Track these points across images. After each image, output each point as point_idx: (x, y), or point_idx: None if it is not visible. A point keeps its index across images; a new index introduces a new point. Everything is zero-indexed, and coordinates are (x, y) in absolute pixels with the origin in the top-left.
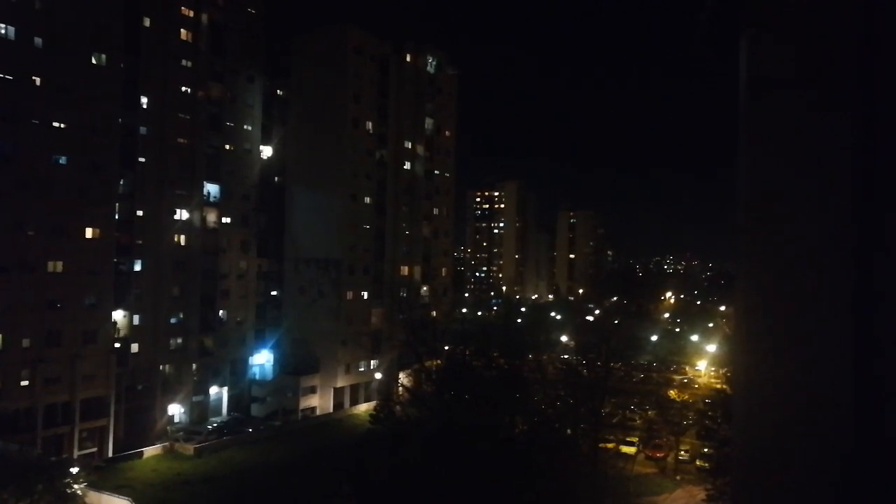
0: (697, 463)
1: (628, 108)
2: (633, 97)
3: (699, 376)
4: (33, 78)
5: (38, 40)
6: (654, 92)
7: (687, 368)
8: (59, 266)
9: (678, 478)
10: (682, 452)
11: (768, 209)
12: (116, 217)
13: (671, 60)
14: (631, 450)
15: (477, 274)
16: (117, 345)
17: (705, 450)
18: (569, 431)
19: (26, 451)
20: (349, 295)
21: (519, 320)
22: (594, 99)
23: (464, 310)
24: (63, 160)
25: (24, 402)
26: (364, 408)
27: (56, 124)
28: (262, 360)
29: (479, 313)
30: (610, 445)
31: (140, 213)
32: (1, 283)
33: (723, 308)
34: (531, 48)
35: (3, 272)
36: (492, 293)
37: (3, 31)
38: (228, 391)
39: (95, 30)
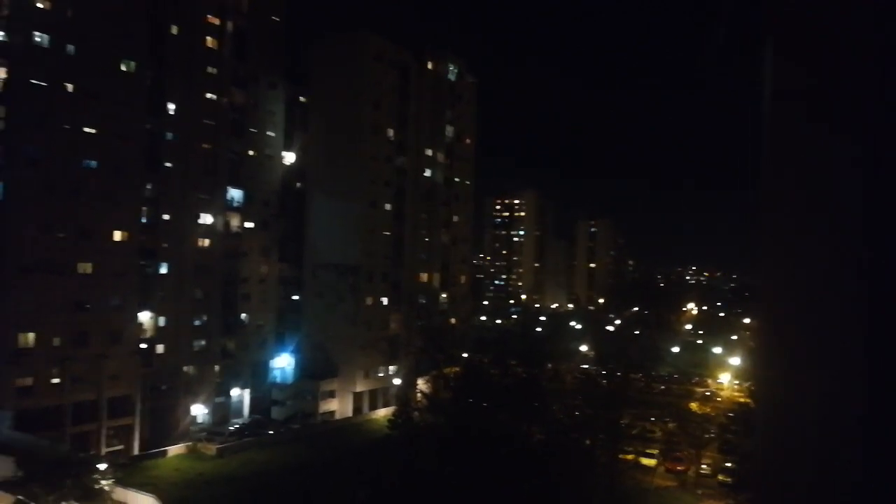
0: (719, 477)
1: (651, 117)
2: (657, 106)
3: (722, 389)
4: (65, 84)
5: (70, 48)
6: (677, 101)
7: (709, 381)
8: (88, 268)
9: (699, 492)
10: (704, 466)
11: (790, 221)
12: (142, 220)
13: (695, 70)
14: (650, 462)
15: (495, 282)
16: (143, 345)
17: (727, 464)
18: (587, 442)
19: (56, 447)
20: (368, 301)
21: (537, 329)
22: (617, 106)
23: (482, 318)
24: (92, 164)
25: (54, 400)
26: (383, 413)
27: (85, 129)
28: (283, 363)
29: (498, 321)
30: (629, 457)
31: (165, 216)
32: (31, 283)
33: (746, 320)
34: (551, 55)
35: (33, 273)
36: (510, 301)
37: (38, 40)
38: (250, 393)
39: (125, 37)
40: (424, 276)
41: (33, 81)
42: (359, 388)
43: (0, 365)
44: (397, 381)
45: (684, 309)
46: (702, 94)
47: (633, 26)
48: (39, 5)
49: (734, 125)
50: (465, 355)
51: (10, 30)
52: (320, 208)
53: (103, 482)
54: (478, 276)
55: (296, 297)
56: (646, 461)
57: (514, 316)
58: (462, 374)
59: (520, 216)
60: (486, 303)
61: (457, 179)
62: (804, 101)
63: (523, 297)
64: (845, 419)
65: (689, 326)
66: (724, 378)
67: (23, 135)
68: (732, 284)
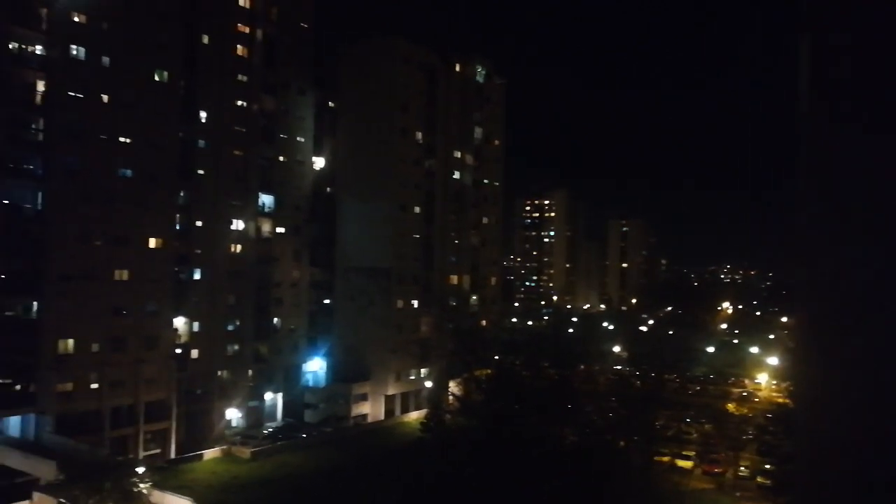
0: (758, 480)
1: (684, 114)
2: (690, 103)
3: (759, 389)
4: (101, 95)
5: (105, 60)
6: (711, 98)
7: (746, 381)
8: (124, 275)
9: (737, 494)
10: (742, 468)
11: (829, 219)
12: (176, 227)
13: (727, 64)
14: (687, 464)
15: (526, 283)
16: (178, 350)
17: (766, 466)
18: (621, 443)
19: (95, 451)
20: (398, 304)
21: (569, 330)
22: (649, 104)
23: (513, 319)
24: (127, 173)
25: (93, 404)
26: (415, 416)
27: (121, 139)
28: (316, 367)
29: (529, 323)
30: (664, 459)
31: (198, 223)
32: (70, 291)
33: (784, 319)
34: (578, 54)
35: (72, 280)
36: (541, 302)
37: (74, 52)
38: (283, 397)
39: (157, 48)
40: (454, 279)
41: (70, 93)
42: (390, 391)
43: (42, 371)
44: (429, 384)
45: (719, 308)
46: (737, 90)
47: (664, 23)
48: (76, 19)
49: (770, 121)
50: (496, 357)
51: (48, 44)
52: (350, 212)
53: (141, 485)
54: (508, 277)
55: (327, 301)
56: (682, 463)
57: (546, 317)
58: (493, 376)
59: (550, 217)
60: (516, 304)
61: (486, 181)
62: (842, 96)
63: (554, 298)
64: (887, 420)
65: (724, 326)
66: (762, 378)
67: (61, 145)
68: (768, 283)
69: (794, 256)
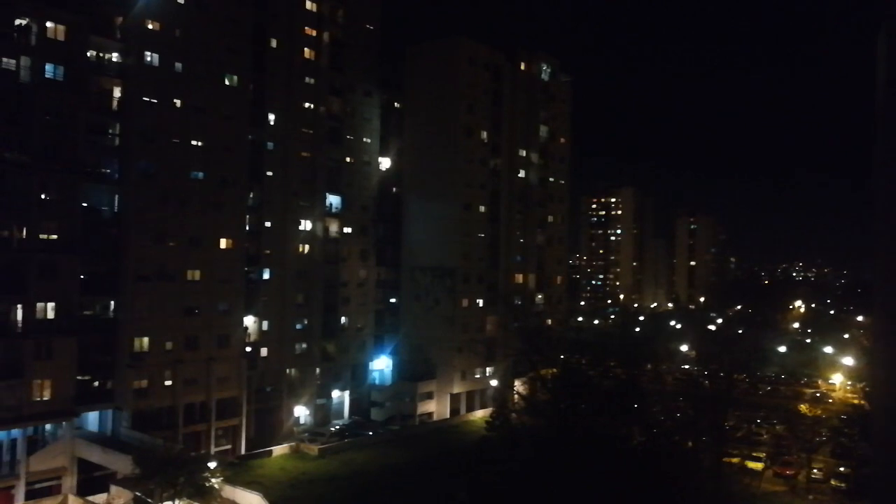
0: (832, 483)
1: (755, 108)
2: (760, 97)
3: (833, 390)
4: (174, 100)
5: (178, 65)
6: (782, 90)
7: (819, 382)
8: (197, 275)
9: (811, 497)
10: (815, 471)
11: None
12: (246, 228)
13: (802, 56)
14: (757, 465)
15: (593, 282)
16: (248, 349)
17: (841, 469)
18: (689, 444)
19: (170, 446)
20: (464, 303)
21: (637, 329)
22: (715, 97)
23: (579, 318)
24: (199, 176)
25: (167, 401)
26: (480, 414)
27: (193, 142)
28: (382, 365)
29: (596, 322)
30: (734, 460)
31: (267, 224)
32: (146, 290)
33: (860, 318)
34: (649, 46)
35: (147, 281)
36: (608, 301)
37: (149, 59)
38: (349, 395)
39: (228, 53)
40: (520, 278)
41: (145, 98)
42: (456, 390)
43: (119, 368)
44: (494, 383)
45: (791, 307)
46: (810, 82)
47: (737, 13)
48: (150, 27)
49: (845, 115)
50: (562, 357)
51: (124, 51)
52: (416, 212)
53: (213, 480)
54: (574, 276)
55: (393, 300)
56: (752, 465)
57: (612, 316)
58: (559, 375)
59: (617, 214)
60: (582, 303)
61: (551, 179)
62: None
63: (621, 296)
64: None
65: (796, 325)
66: (836, 379)
67: (136, 149)
68: (843, 280)
69: (871, 253)
